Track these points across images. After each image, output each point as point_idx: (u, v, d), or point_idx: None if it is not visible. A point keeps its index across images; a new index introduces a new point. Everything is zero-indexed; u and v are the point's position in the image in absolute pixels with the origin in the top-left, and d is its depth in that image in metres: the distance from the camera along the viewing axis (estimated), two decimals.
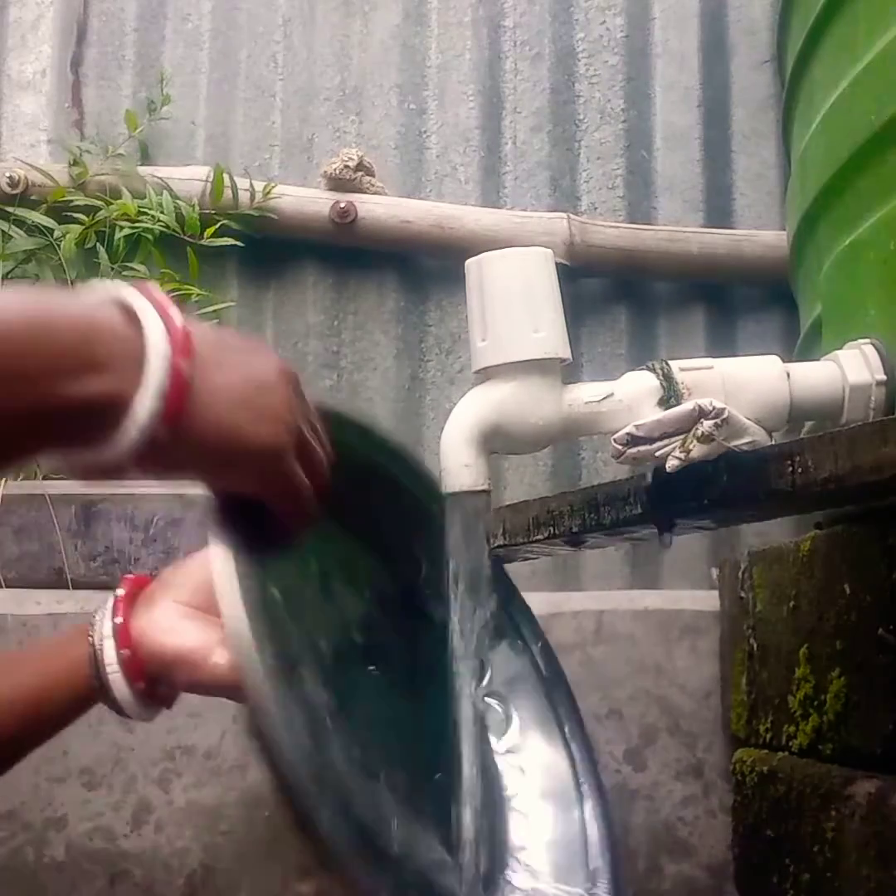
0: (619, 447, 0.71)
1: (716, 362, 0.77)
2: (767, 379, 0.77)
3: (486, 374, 0.77)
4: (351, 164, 1.59)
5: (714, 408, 0.67)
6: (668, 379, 0.75)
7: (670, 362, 0.76)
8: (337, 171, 1.59)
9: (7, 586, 1.22)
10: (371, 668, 0.72)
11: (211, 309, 1.47)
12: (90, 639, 0.69)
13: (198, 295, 1.46)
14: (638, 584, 1.57)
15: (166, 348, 0.50)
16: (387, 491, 0.77)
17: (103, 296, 0.52)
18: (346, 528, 0.74)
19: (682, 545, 1.55)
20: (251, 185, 1.56)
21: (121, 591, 0.71)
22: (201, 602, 0.67)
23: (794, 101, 1.17)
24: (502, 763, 0.78)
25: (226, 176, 1.55)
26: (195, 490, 1.25)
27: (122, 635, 0.68)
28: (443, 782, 0.68)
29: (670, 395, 0.74)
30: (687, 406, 0.69)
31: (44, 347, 0.46)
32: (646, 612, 1.22)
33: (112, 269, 1.44)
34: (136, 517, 1.24)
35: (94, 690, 0.68)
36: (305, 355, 1.62)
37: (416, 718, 0.73)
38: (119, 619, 0.68)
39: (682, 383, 0.75)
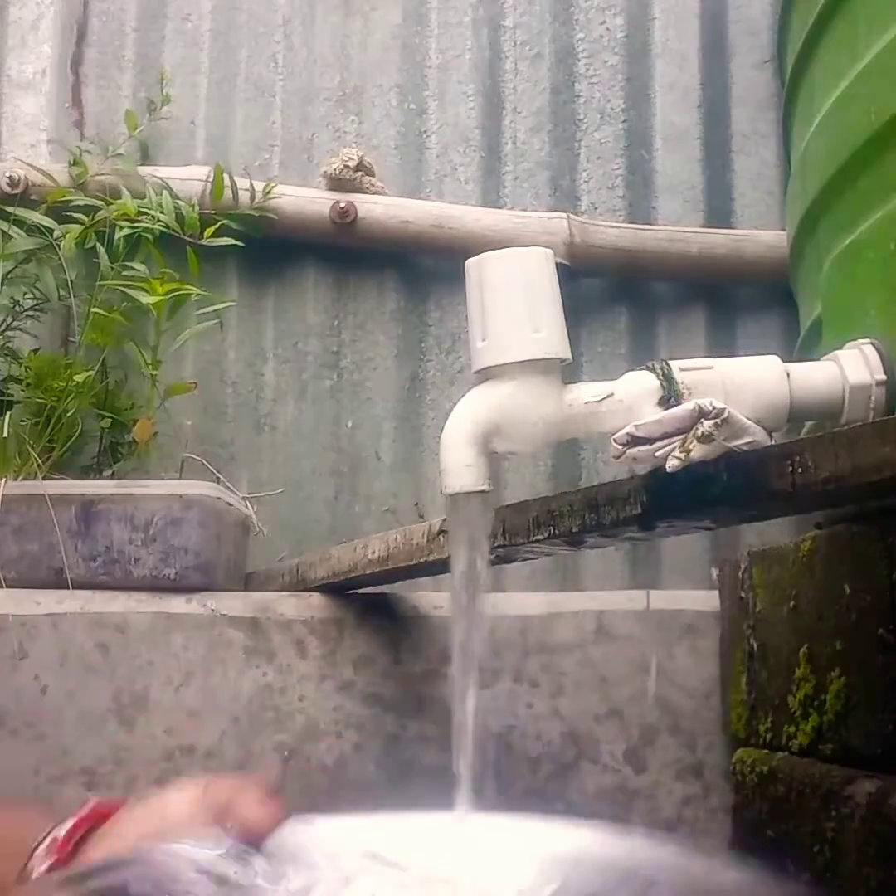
0: (619, 447, 0.71)
1: (716, 362, 0.77)
2: (767, 379, 0.77)
3: (486, 375, 0.77)
4: (351, 164, 1.59)
5: (714, 408, 0.67)
6: (668, 379, 0.75)
7: (670, 362, 0.76)
8: (337, 171, 1.59)
9: (7, 586, 1.22)
10: None
11: (211, 309, 1.47)
12: (28, 865, 0.64)
13: (198, 295, 1.45)
14: (638, 584, 1.57)
15: None
16: None
17: None
18: None
19: (682, 545, 1.55)
20: (251, 185, 1.56)
21: (72, 822, 0.66)
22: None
23: (794, 101, 1.17)
24: None
25: (226, 176, 1.55)
26: (195, 490, 1.25)
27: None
28: None
29: (670, 395, 0.74)
30: (687, 406, 0.69)
31: None
32: (646, 612, 1.22)
33: (112, 268, 1.44)
34: (136, 517, 1.24)
35: None
36: (305, 355, 1.62)
37: None
38: (56, 859, 0.64)
39: (682, 383, 0.75)
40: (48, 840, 0.66)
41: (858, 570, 0.90)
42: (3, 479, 1.26)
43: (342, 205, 1.58)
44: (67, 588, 1.22)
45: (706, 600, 1.23)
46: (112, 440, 1.48)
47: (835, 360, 0.81)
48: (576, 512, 0.79)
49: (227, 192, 1.55)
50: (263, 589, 1.33)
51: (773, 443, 0.71)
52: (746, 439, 0.69)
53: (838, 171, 0.95)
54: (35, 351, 1.49)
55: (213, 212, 1.53)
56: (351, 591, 1.23)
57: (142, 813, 0.67)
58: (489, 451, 0.76)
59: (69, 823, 0.67)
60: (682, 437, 0.68)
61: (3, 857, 0.65)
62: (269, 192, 1.56)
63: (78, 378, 1.38)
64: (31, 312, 1.49)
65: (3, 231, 1.43)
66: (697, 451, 0.67)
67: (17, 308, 1.47)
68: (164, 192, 1.52)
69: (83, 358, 1.44)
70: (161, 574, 1.22)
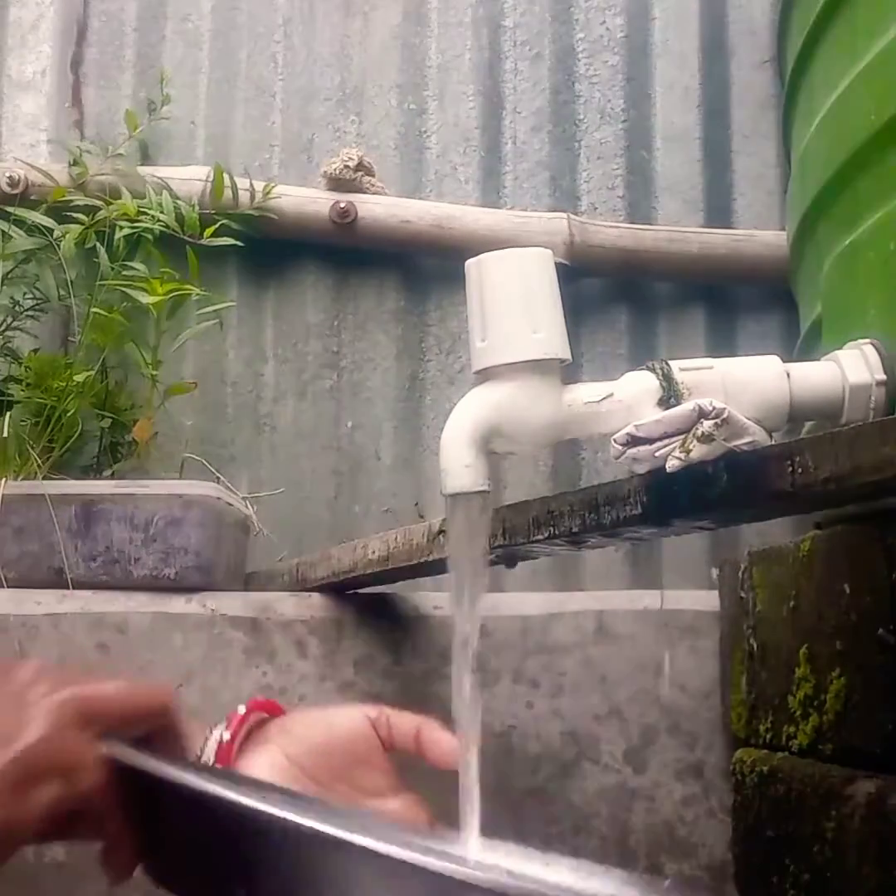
0: (619, 447, 0.71)
1: (716, 362, 0.77)
2: (767, 379, 0.77)
3: (486, 375, 0.77)
4: (351, 164, 1.59)
5: (714, 408, 0.67)
6: (667, 379, 0.75)
7: (670, 362, 0.76)
8: (337, 171, 1.59)
9: (7, 586, 1.23)
10: None
11: (211, 309, 1.47)
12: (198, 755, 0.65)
13: (198, 295, 1.46)
14: (638, 584, 1.57)
15: None
16: None
17: None
18: None
19: (682, 545, 1.55)
20: (251, 185, 1.56)
21: (235, 722, 0.66)
22: (309, 764, 0.65)
23: (794, 101, 1.17)
24: None
25: (226, 176, 1.55)
26: (195, 490, 1.25)
27: None
28: None
29: (670, 395, 0.74)
30: (687, 406, 0.68)
31: None
32: (646, 612, 1.22)
33: (112, 268, 1.44)
34: (136, 517, 1.24)
35: None
36: (305, 355, 1.62)
37: None
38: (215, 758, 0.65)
39: (682, 383, 0.75)
40: (212, 744, 0.66)
41: (858, 570, 0.90)
42: (3, 479, 1.26)
43: (342, 205, 1.58)
44: (67, 588, 1.22)
45: (706, 600, 1.23)
46: (112, 440, 1.48)
47: (835, 360, 0.81)
48: (576, 512, 0.79)
49: (227, 192, 1.55)
50: (263, 589, 1.33)
51: (773, 443, 0.71)
52: (746, 439, 0.69)
53: (838, 171, 0.95)
54: (35, 351, 1.49)
55: (213, 212, 1.53)
56: (351, 591, 1.23)
57: (306, 721, 0.67)
58: (489, 452, 0.76)
59: (230, 728, 0.67)
60: (682, 437, 0.68)
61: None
62: (268, 192, 1.56)
63: (78, 378, 1.38)
64: (31, 312, 1.49)
65: (3, 231, 1.43)
66: (697, 451, 0.67)
67: (17, 308, 1.47)
68: (164, 192, 1.52)
69: (83, 358, 1.44)
70: (161, 574, 1.22)
